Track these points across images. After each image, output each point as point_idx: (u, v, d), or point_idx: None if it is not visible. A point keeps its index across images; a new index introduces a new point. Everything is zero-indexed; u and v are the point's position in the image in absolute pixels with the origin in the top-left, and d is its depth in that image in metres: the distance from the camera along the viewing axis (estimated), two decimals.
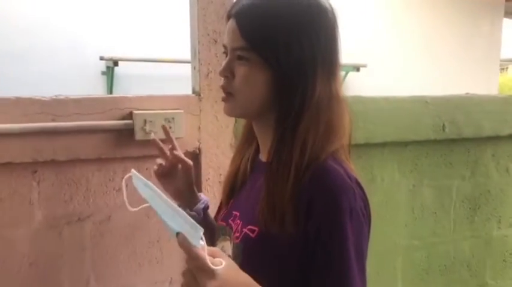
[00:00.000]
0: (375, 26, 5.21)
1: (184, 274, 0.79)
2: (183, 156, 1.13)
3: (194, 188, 1.15)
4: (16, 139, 1.29)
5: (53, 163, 1.34)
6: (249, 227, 0.92)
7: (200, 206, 1.14)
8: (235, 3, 0.93)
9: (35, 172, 1.34)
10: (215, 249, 0.81)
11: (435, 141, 1.86)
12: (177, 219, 0.76)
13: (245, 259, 0.91)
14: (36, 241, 1.36)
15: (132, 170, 0.86)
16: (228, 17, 0.93)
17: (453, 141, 1.90)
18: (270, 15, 0.88)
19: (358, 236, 0.84)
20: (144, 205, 0.83)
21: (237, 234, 0.94)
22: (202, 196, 1.17)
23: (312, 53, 0.88)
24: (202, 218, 1.13)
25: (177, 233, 0.76)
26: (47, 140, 1.32)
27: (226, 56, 0.94)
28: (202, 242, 0.75)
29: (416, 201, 1.89)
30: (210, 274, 0.75)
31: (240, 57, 0.90)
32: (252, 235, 0.91)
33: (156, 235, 1.48)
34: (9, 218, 1.33)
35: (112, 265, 1.46)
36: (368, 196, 0.90)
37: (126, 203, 0.86)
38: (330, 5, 0.92)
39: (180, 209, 0.76)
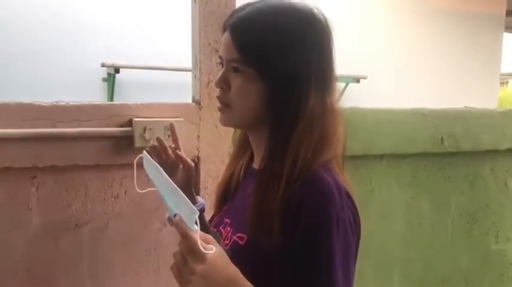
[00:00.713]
0: (376, 38, 5.24)
1: (175, 255, 0.79)
2: (185, 156, 1.15)
3: (192, 190, 1.16)
4: (16, 144, 1.29)
5: (52, 168, 1.35)
6: (238, 234, 0.93)
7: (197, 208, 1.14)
8: (230, 15, 0.95)
9: (34, 177, 1.35)
10: (209, 236, 0.81)
11: (433, 154, 1.87)
12: (177, 200, 0.78)
13: None
14: (33, 247, 1.36)
15: (144, 151, 0.92)
16: (224, 29, 0.95)
17: (451, 154, 1.90)
18: (265, 28, 0.89)
19: (344, 245, 0.85)
20: (150, 189, 0.89)
21: (227, 241, 0.95)
22: (200, 198, 1.18)
23: (306, 66, 0.89)
24: None
25: (175, 215, 0.77)
26: (47, 145, 1.33)
27: (222, 67, 0.95)
28: (197, 226, 0.76)
29: (413, 214, 1.89)
30: (200, 257, 0.76)
31: (235, 69, 0.91)
32: (241, 243, 0.92)
33: (153, 243, 1.48)
34: (6, 223, 1.33)
35: (109, 272, 1.45)
36: (358, 208, 0.90)
37: (135, 184, 0.94)
38: (324, 17, 0.93)
39: (180, 191, 0.78)
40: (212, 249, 0.77)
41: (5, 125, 1.28)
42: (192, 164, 1.15)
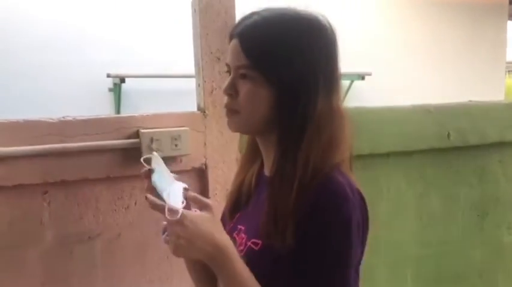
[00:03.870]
0: (379, 33, 5.22)
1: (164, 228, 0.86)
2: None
3: None
4: (26, 161, 1.32)
5: (62, 183, 1.37)
6: (253, 240, 0.94)
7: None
8: (237, 23, 0.97)
9: (45, 192, 1.37)
10: (203, 200, 0.86)
11: (440, 150, 1.87)
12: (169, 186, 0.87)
13: None
14: (47, 261, 1.38)
15: (154, 152, 0.97)
16: (231, 37, 0.96)
17: (459, 149, 1.90)
18: (272, 34, 0.91)
19: (354, 246, 0.87)
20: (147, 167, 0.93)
21: (241, 247, 0.96)
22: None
23: (313, 70, 0.90)
24: None
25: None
26: (56, 161, 1.35)
27: (230, 75, 0.96)
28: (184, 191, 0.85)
29: (423, 210, 1.89)
30: (176, 221, 0.81)
31: (243, 76, 0.93)
32: (256, 248, 0.93)
33: (166, 251, 1.48)
34: (20, 238, 1.35)
35: (123, 282, 1.47)
36: (369, 210, 0.91)
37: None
38: (329, 23, 0.95)
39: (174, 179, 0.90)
40: (179, 210, 0.80)
41: (14, 142, 1.30)
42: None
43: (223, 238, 0.86)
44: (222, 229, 0.88)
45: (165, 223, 0.87)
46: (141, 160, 0.96)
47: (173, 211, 0.80)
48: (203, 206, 0.86)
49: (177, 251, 0.83)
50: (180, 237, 0.81)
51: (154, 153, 0.96)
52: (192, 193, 0.87)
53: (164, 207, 0.81)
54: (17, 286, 1.36)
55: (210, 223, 0.84)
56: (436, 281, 1.94)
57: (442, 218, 1.93)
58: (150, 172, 0.93)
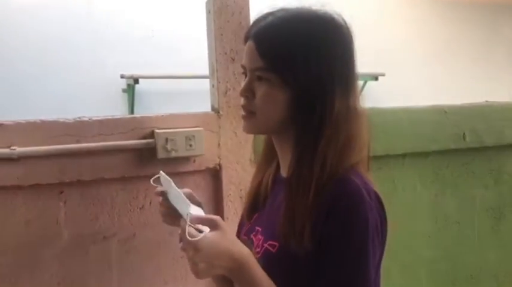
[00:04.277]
0: (392, 33, 5.19)
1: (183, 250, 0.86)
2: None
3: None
4: (42, 161, 1.33)
5: (78, 183, 1.38)
6: (270, 242, 0.94)
7: None
8: (252, 24, 0.97)
9: (61, 192, 1.38)
10: (209, 218, 0.86)
11: (456, 151, 1.85)
12: (183, 204, 0.92)
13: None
14: (63, 260, 1.39)
15: (161, 171, 1.02)
16: (246, 39, 0.96)
17: (474, 150, 1.88)
18: (287, 35, 0.91)
19: (372, 246, 0.86)
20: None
21: (258, 249, 0.96)
22: None
23: (329, 70, 0.90)
24: None
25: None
26: (72, 161, 1.36)
27: (245, 77, 0.96)
28: (189, 214, 0.85)
29: (439, 211, 1.87)
30: (192, 246, 0.82)
31: (259, 78, 0.92)
32: (273, 250, 0.93)
33: (180, 251, 1.49)
34: (37, 238, 1.37)
35: (138, 281, 1.48)
36: (387, 211, 0.91)
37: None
38: (345, 21, 0.95)
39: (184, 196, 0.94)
40: (201, 233, 0.82)
41: (31, 143, 1.32)
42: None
43: (240, 249, 0.86)
44: (235, 239, 0.88)
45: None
46: (151, 181, 1.04)
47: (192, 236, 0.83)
48: (209, 224, 0.85)
49: (199, 275, 0.84)
50: (198, 263, 0.82)
51: (161, 172, 1.01)
52: (195, 216, 0.87)
53: (183, 231, 0.84)
54: (33, 285, 1.37)
55: (222, 240, 0.84)
56: (450, 283, 1.92)
57: (457, 219, 1.91)
58: (163, 193, 1.01)
